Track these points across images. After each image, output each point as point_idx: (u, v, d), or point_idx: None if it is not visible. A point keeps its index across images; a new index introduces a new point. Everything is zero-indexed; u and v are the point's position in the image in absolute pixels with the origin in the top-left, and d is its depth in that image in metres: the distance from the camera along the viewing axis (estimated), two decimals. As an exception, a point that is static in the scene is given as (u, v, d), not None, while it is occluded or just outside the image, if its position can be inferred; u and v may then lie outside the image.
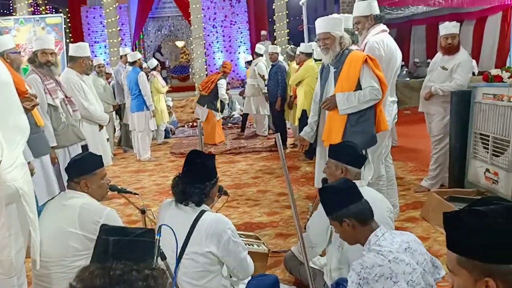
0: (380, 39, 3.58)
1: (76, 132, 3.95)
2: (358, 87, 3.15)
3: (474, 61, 8.24)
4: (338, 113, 3.19)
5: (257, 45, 8.93)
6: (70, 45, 4.85)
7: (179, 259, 2.29)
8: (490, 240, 1.11)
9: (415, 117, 7.28)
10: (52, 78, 3.81)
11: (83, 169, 2.52)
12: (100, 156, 2.70)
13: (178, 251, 2.22)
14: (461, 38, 4.51)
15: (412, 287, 1.81)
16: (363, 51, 3.59)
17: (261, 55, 8.40)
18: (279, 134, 1.88)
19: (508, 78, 3.79)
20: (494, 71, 3.99)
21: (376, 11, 3.70)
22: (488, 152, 3.92)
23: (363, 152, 3.20)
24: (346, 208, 1.94)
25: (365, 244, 1.93)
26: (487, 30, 10.57)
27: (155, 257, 1.60)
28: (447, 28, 4.39)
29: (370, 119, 3.19)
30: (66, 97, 3.94)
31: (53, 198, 3.01)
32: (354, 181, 2.19)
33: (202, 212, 2.32)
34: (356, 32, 3.71)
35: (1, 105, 2.18)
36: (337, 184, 2.08)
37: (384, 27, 3.72)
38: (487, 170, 3.92)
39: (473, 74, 6.46)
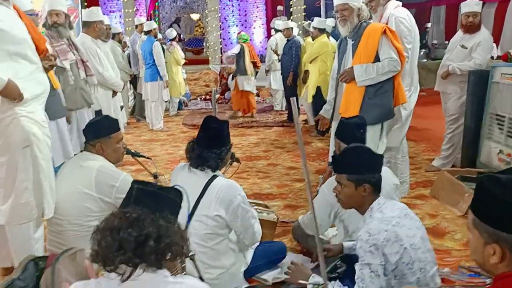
0: (405, 12, 3.55)
1: (85, 97, 3.93)
2: (377, 59, 3.11)
3: (494, 45, 8.07)
4: (355, 85, 3.16)
5: (275, 21, 8.87)
6: (83, 10, 4.85)
7: (189, 220, 2.34)
8: (502, 209, 1.13)
9: (430, 98, 7.19)
10: (63, 40, 3.79)
11: (98, 132, 2.57)
12: (117, 120, 2.74)
13: (189, 212, 2.28)
14: (482, 20, 4.40)
15: (414, 250, 1.85)
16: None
17: (280, 31, 8.31)
18: (294, 98, 1.88)
19: (529, 58, 3.72)
20: (515, 51, 3.91)
21: None
22: (503, 133, 3.88)
23: (381, 125, 3.20)
24: (372, 174, 1.97)
25: (366, 210, 1.97)
26: (510, 12, 10.29)
27: (176, 215, 1.62)
28: (469, 5, 4.29)
29: (388, 91, 3.15)
30: (83, 61, 3.95)
31: (70, 158, 3.09)
32: None
33: (214, 177, 2.36)
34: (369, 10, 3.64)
35: (22, 59, 2.24)
36: (369, 151, 2.09)
37: (399, 2, 3.66)
38: (501, 151, 3.89)
39: (492, 58, 6.33)
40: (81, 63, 3.92)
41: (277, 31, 8.37)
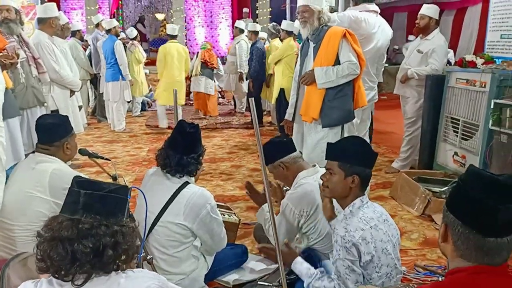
0: (361, 14, 3.64)
1: (37, 95, 3.78)
2: (337, 62, 3.15)
3: (451, 51, 8.37)
4: (316, 88, 3.19)
5: (238, 21, 8.81)
6: (37, 6, 4.68)
7: (153, 225, 2.30)
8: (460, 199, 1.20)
9: (391, 102, 7.39)
10: (14, 36, 3.64)
11: (65, 131, 2.48)
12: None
13: (149, 215, 2.22)
14: (440, 28, 4.57)
15: (385, 255, 1.89)
16: None
17: (243, 31, 8.27)
18: (253, 98, 1.87)
19: (482, 64, 3.87)
20: (469, 57, 4.08)
21: None
22: (457, 136, 4.02)
23: (341, 127, 3.24)
24: (366, 168, 1.98)
25: (348, 205, 1.98)
26: (466, 21, 10.71)
27: (125, 215, 1.59)
28: (421, 9, 4.46)
29: (348, 94, 3.19)
30: (34, 58, 3.80)
31: (21, 161, 2.95)
32: None
33: (186, 183, 2.31)
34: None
35: None
36: (367, 144, 2.12)
37: (368, 7, 3.75)
38: (456, 153, 4.03)
39: (449, 63, 6.57)
40: (33, 60, 3.77)
41: (240, 31, 8.24)
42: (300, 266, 2.13)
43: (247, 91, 8.20)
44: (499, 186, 1.13)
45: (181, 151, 2.28)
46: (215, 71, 8.06)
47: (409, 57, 4.60)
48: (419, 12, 4.44)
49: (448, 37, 10.29)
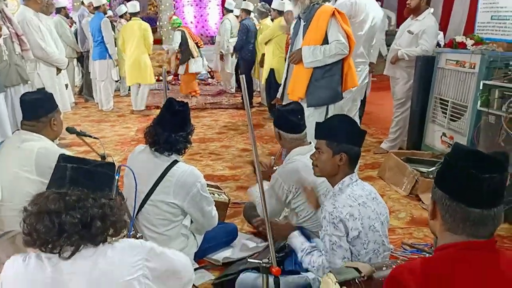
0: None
1: (20, 73, 3.69)
2: (326, 41, 3.12)
3: (441, 33, 8.36)
4: (303, 66, 3.16)
5: (227, 0, 8.69)
6: None
7: (143, 203, 2.29)
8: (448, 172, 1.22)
9: (381, 84, 7.40)
10: None
11: (50, 108, 2.43)
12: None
13: (139, 194, 2.21)
14: (430, 7, 4.54)
15: (372, 231, 1.91)
16: None
17: (231, 11, 8.20)
18: (243, 75, 1.85)
19: (472, 45, 3.88)
20: (459, 38, 4.08)
21: None
22: (446, 117, 4.05)
23: (327, 107, 3.24)
24: (353, 145, 1.98)
25: (337, 183, 1.99)
26: (457, 2, 10.70)
27: (113, 191, 1.57)
28: None
29: (335, 74, 3.17)
30: (18, 35, 3.70)
31: (5, 140, 2.89)
32: None
33: (175, 162, 2.30)
34: None
35: None
36: (354, 123, 2.10)
37: None
38: (444, 134, 4.07)
39: (439, 45, 6.56)
40: (16, 37, 3.67)
41: (228, 11, 8.20)
42: (295, 239, 2.15)
43: (231, 71, 8.19)
44: (483, 158, 1.17)
45: (170, 129, 2.26)
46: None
47: (399, 37, 4.59)
48: None
49: (438, 18, 10.28)
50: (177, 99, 2.38)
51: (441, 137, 4.10)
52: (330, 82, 3.16)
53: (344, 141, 1.97)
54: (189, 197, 2.28)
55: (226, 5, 8.30)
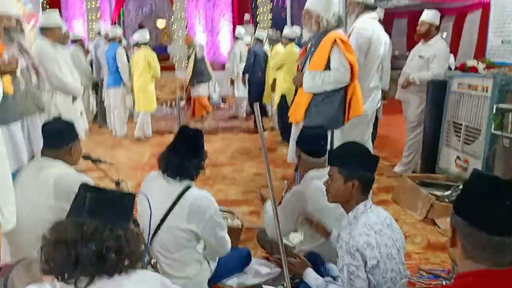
0: (369, 26, 3.63)
1: (36, 102, 3.79)
2: (328, 67, 3.13)
3: (452, 56, 8.38)
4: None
5: (237, 28, 9.00)
6: (40, 14, 4.70)
7: (157, 229, 2.29)
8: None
9: (393, 107, 7.38)
10: (14, 45, 3.65)
11: (72, 136, 2.49)
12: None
13: (154, 220, 2.22)
14: (440, 33, 4.60)
15: (389, 260, 1.88)
16: (349, 37, 3.63)
17: (241, 39, 8.52)
18: (257, 103, 1.88)
19: (483, 69, 3.89)
20: (470, 62, 4.10)
21: (368, 0, 3.73)
22: (460, 140, 4.03)
23: (332, 132, 3.21)
24: (363, 172, 1.97)
25: (351, 210, 1.97)
26: (466, 26, 10.76)
27: (130, 220, 1.59)
28: (422, 15, 4.48)
29: (335, 101, 3.15)
30: (34, 66, 3.81)
31: (24, 167, 2.95)
32: None
33: (188, 187, 2.31)
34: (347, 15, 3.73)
35: None
36: (366, 150, 2.10)
37: (374, 14, 3.75)
38: (458, 157, 4.03)
39: (450, 68, 6.58)
40: (32, 68, 3.78)
41: (238, 39, 8.55)
42: (310, 277, 2.14)
43: (242, 96, 8.35)
44: (503, 184, 1.15)
45: (182, 155, 2.29)
46: None
47: (410, 62, 4.62)
48: (420, 19, 4.46)
49: (448, 42, 10.35)
50: (191, 126, 2.42)
51: (455, 160, 4.07)
52: (329, 108, 3.15)
53: (355, 168, 1.97)
54: (203, 223, 2.28)
55: (236, 34, 8.67)
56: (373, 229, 1.88)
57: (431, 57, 4.39)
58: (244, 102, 8.59)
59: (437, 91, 4.29)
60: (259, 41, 7.54)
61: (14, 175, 2.60)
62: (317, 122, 3.12)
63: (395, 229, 2.00)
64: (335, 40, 3.08)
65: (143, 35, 6.92)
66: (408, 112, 4.64)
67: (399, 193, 3.90)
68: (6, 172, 2.32)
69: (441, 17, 4.58)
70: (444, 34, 4.53)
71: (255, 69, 7.26)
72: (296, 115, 3.24)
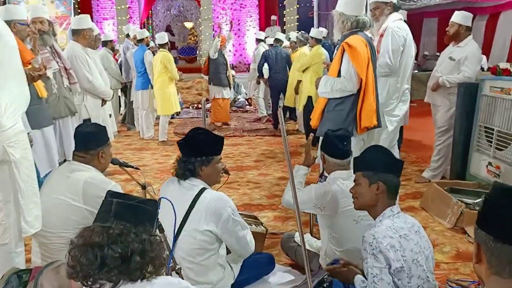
0: (402, 25, 3.59)
1: (68, 105, 3.89)
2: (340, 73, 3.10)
3: (484, 57, 8.15)
4: None
5: (258, 31, 9.26)
6: (72, 18, 4.83)
7: (177, 235, 2.31)
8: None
9: (421, 109, 7.22)
10: (47, 48, 3.76)
11: (100, 140, 2.52)
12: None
13: (177, 226, 2.25)
14: (472, 33, 4.46)
15: (415, 265, 1.84)
16: (381, 36, 3.60)
17: (263, 40, 8.78)
18: (281, 109, 1.88)
19: (517, 72, 3.76)
20: (503, 65, 3.96)
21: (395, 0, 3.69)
22: (491, 146, 3.90)
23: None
24: (389, 174, 1.97)
25: (378, 215, 1.96)
26: (500, 25, 10.44)
27: (154, 227, 1.62)
28: (452, 16, 4.37)
29: (344, 109, 3.09)
30: (66, 69, 3.91)
31: (56, 169, 3.03)
32: None
33: (203, 189, 2.33)
34: (371, 18, 3.65)
35: (8, 69, 2.17)
36: (389, 153, 2.09)
37: (400, 15, 3.72)
38: (490, 163, 3.91)
39: (482, 69, 6.40)
40: (64, 71, 3.88)
41: (260, 41, 8.75)
42: (356, 282, 2.11)
43: (263, 97, 8.45)
44: None
45: (187, 154, 2.34)
46: None
47: (440, 64, 4.50)
48: (450, 19, 4.35)
49: (480, 43, 10.05)
50: (215, 130, 2.44)
51: (486, 166, 3.95)
52: (337, 116, 3.10)
53: (379, 170, 1.97)
54: (221, 223, 2.29)
55: (256, 36, 9.00)
56: (398, 233, 1.85)
57: (462, 59, 4.27)
58: (262, 100, 8.64)
59: (468, 95, 4.17)
60: (277, 40, 7.73)
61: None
62: (324, 129, 3.10)
63: (423, 237, 1.96)
64: (343, 48, 3.05)
65: (161, 36, 6.96)
66: (438, 115, 4.53)
67: (428, 200, 3.81)
68: (32, 178, 2.38)
69: (473, 17, 4.43)
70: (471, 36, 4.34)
71: (272, 71, 7.46)
72: (313, 120, 3.25)
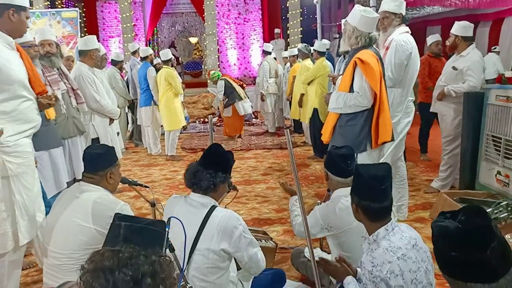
0: (408, 38, 3.57)
1: (77, 125, 3.93)
2: (352, 89, 3.07)
3: (498, 57, 8.16)
4: None
5: (265, 44, 9.24)
6: (78, 39, 4.91)
7: (190, 254, 2.32)
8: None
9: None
10: (55, 69, 3.83)
11: (109, 161, 2.55)
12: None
13: (187, 244, 2.25)
14: (476, 40, 4.48)
15: (415, 285, 1.82)
16: (387, 49, 3.58)
17: (269, 53, 8.73)
18: (288, 130, 1.90)
19: (523, 80, 3.75)
20: (508, 73, 3.96)
21: (404, 11, 3.68)
22: (500, 155, 3.88)
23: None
24: (360, 198, 1.95)
25: (372, 234, 1.93)
26: (504, 32, 10.42)
27: (164, 247, 1.63)
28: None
29: (357, 125, 3.08)
30: (73, 89, 3.97)
31: (65, 189, 3.07)
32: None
33: (213, 208, 2.33)
34: (378, 30, 3.64)
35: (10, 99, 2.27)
36: (367, 172, 1.97)
37: (407, 28, 3.69)
38: (499, 172, 3.88)
39: (486, 81, 6.38)
40: (72, 92, 3.94)
41: (267, 53, 8.72)
42: (350, 285, 2.09)
43: (271, 111, 8.49)
44: (465, 235, 1.20)
45: (201, 164, 2.35)
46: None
47: (444, 74, 4.51)
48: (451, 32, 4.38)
49: (485, 49, 10.04)
50: (222, 143, 2.47)
51: (496, 175, 3.92)
52: (350, 131, 3.09)
53: (355, 193, 1.97)
54: (233, 241, 2.29)
55: (264, 48, 8.90)
56: (396, 255, 1.82)
57: (464, 69, 4.27)
58: (271, 116, 8.68)
59: (473, 104, 4.17)
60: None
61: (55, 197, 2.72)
62: (339, 145, 3.09)
63: (421, 249, 1.91)
64: (355, 62, 3.03)
65: (164, 53, 7.08)
66: (444, 125, 4.52)
67: (438, 211, 3.77)
68: (36, 192, 2.45)
69: (477, 23, 4.44)
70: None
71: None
72: (325, 136, 3.23)
